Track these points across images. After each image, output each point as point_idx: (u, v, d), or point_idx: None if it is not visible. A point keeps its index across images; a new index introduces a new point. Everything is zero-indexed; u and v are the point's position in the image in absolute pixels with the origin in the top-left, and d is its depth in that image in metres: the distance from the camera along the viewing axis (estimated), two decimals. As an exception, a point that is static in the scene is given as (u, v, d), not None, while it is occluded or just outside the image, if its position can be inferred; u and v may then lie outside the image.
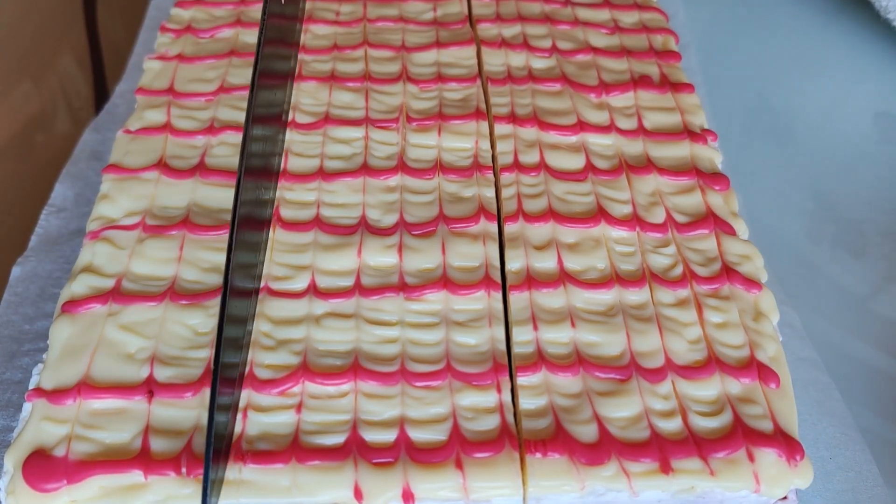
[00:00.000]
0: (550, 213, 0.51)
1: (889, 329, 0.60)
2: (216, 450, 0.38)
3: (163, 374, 0.43)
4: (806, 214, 0.68)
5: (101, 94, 0.85)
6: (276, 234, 0.50)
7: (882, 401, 0.56)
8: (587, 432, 0.42)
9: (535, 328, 0.46)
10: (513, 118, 0.57)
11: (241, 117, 0.57)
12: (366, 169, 0.54)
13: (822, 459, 0.50)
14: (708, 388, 0.44)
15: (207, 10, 0.67)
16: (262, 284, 0.47)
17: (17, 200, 0.71)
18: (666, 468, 0.41)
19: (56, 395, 0.42)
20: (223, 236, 0.50)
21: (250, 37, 0.64)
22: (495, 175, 0.54)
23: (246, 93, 0.58)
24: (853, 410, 0.54)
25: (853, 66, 0.81)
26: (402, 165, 0.54)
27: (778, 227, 0.67)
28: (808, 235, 0.67)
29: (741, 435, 0.42)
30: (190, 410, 0.42)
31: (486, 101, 0.59)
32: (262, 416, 0.42)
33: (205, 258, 0.49)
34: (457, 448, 0.41)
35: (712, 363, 0.45)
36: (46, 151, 0.76)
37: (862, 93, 0.79)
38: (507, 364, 0.44)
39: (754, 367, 0.45)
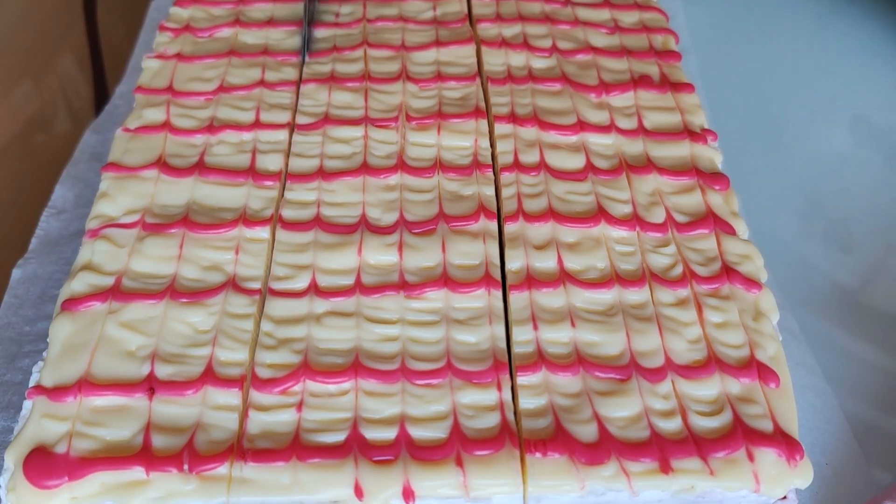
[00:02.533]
0: (550, 213, 0.51)
1: (878, 320, 0.61)
2: None
3: (163, 371, 0.43)
4: (799, 214, 0.68)
5: (101, 95, 0.85)
6: (278, 234, 0.50)
7: (870, 389, 0.57)
8: (587, 432, 0.42)
9: (535, 328, 0.46)
10: (513, 118, 0.57)
11: (240, 116, 0.57)
12: (366, 168, 0.54)
13: (818, 465, 0.50)
14: (708, 388, 0.44)
15: (206, 9, 0.67)
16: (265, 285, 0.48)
17: (17, 201, 0.71)
18: (666, 468, 0.41)
19: (56, 392, 0.42)
20: (223, 234, 0.50)
21: (249, 36, 0.64)
22: (495, 174, 0.54)
23: (245, 93, 0.59)
24: (842, 399, 0.54)
25: (851, 67, 0.81)
26: (401, 164, 0.54)
27: (773, 228, 0.67)
28: (801, 233, 0.67)
29: (741, 435, 0.42)
30: (191, 408, 0.42)
31: (486, 101, 0.59)
32: (263, 414, 0.42)
33: (205, 256, 0.49)
34: (457, 446, 0.41)
35: (712, 363, 0.45)
36: (46, 152, 0.76)
37: (857, 96, 0.79)
38: (507, 362, 0.44)
39: (754, 367, 0.45)
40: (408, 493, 0.40)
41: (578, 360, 0.44)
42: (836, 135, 0.75)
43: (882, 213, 0.68)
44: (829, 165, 0.72)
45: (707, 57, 0.79)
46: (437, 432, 0.41)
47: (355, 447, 0.41)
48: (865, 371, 0.58)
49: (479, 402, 0.43)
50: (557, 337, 0.45)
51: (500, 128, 0.56)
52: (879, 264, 0.65)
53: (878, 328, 0.60)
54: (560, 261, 0.49)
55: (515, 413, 0.43)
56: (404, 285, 0.47)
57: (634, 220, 0.51)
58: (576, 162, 0.55)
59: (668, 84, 0.60)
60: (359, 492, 0.39)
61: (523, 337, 0.45)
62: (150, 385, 0.43)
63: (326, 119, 0.57)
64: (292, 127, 0.57)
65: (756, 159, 0.73)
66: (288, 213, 0.51)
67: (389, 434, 0.41)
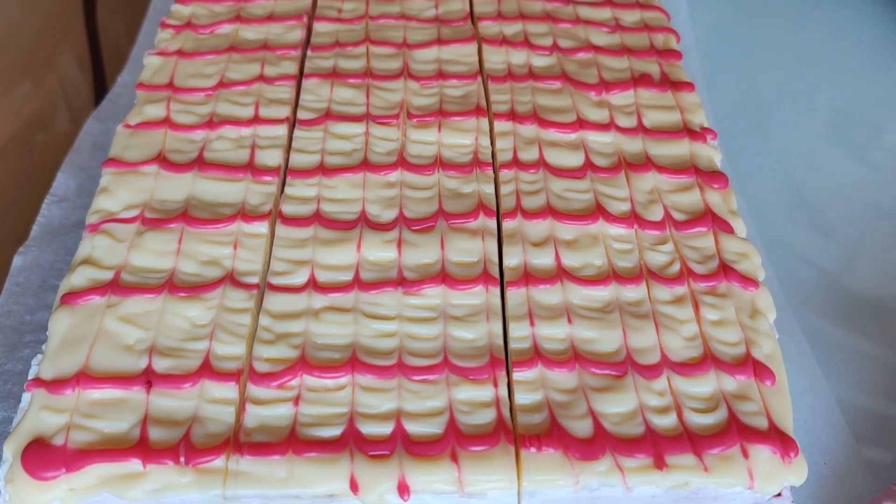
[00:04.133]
0: (549, 210, 0.51)
1: (876, 313, 0.61)
2: None
3: (161, 364, 0.43)
4: (796, 211, 0.69)
5: (100, 94, 0.85)
6: (277, 230, 0.50)
7: (869, 390, 0.57)
8: (582, 427, 0.42)
9: (532, 324, 0.46)
10: (513, 115, 0.57)
11: (239, 112, 0.57)
12: (366, 164, 0.54)
13: (816, 465, 0.50)
14: (703, 385, 0.44)
15: (207, 6, 0.67)
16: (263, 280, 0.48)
17: (16, 201, 0.71)
18: (660, 464, 0.41)
19: (55, 384, 0.42)
20: (221, 229, 0.50)
21: (249, 33, 0.64)
22: (494, 172, 0.54)
23: (244, 88, 0.59)
24: (841, 401, 0.55)
25: (847, 62, 0.82)
26: (402, 161, 0.54)
27: (773, 226, 0.67)
28: (797, 227, 0.68)
29: (736, 431, 0.42)
30: (188, 401, 0.42)
31: (487, 98, 0.59)
32: (260, 408, 0.42)
33: (203, 251, 0.49)
34: (452, 441, 0.41)
35: (708, 360, 0.45)
36: (46, 151, 0.76)
37: (858, 89, 0.80)
38: (503, 359, 0.44)
39: (750, 365, 0.45)
40: (403, 488, 0.40)
41: (574, 356, 0.45)
42: (831, 128, 0.76)
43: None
44: (825, 158, 0.73)
45: (709, 55, 0.79)
46: (433, 428, 0.41)
47: (351, 442, 0.41)
48: (864, 372, 0.58)
49: (475, 398, 0.43)
50: (554, 333, 0.46)
51: (500, 125, 0.56)
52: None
53: (875, 323, 0.60)
54: (558, 258, 0.49)
55: (511, 409, 0.43)
56: (402, 282, 0.48)
57: (633, 218, 0.51)
58: (575, 160, 0.55)
59: (669, 83, 0.60)
60: (354, 486, 0.40)
61: (520, 333, 0.45)
62: (148, 378, 0.43)
63: (328, 115, 0.57)
64: (291, 122, 0.57)
65: (757, 158, 0.73)
66: (288, 208, 0.51)
67: (385, 429, 0.41)
